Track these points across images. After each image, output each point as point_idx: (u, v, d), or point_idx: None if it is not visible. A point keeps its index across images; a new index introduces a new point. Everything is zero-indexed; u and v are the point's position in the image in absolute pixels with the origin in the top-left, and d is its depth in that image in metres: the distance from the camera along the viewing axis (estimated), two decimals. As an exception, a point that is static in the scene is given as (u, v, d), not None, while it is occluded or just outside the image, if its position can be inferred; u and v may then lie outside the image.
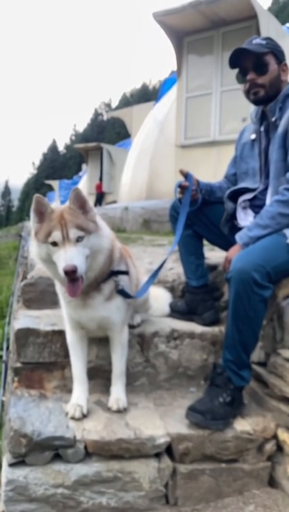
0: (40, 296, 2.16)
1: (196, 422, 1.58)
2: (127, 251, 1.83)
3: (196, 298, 2.11)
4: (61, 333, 1.77)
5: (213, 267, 2.34)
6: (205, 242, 2.19)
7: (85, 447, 1.49)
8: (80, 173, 27.55)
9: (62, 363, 1.79)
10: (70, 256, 1.40)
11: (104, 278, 1.60)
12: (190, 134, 6.81)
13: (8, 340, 3.42)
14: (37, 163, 71.69)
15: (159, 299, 2.19)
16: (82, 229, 1.45)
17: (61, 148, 70.68)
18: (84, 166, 24.16)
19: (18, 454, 1.45)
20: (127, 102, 54.19)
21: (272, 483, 1.64)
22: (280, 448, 1.64)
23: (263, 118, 1.96)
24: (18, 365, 1.78)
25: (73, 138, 69.15)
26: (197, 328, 2.01)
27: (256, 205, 1.95)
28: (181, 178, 2.03)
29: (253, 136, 2.00)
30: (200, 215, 2.08)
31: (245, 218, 1.98)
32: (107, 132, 54.72)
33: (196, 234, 2.12)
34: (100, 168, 18.19)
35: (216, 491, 1.58)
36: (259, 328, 1.66)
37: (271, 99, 1.85)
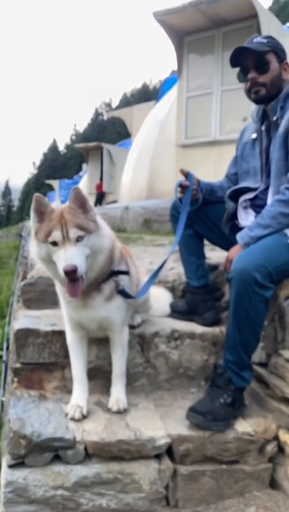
0: (40, 296, 2.15)
1: (197, 423, 1.57)
2: (127, 251, 1.82)
3: (196, 298, 2.10)
4: (61, 334, 1.76)
5: (214, 267, 2.33)
6: (206, 241, 2.18)
7: (85, 448, 1.48)
8: (81, 173, 27.55)
9: (62, 363, 1.78)
10: (70, 256, 1.39)
11: (105, 278, 1.59)
12: (190, 134, 6.79)
13: (8, 340, 3.41)
14: (37, 162, 71.76)
15: (160, 299, 2.18)
16: (82, 228, 1.44)
17: (61, 148, 70.73)
18: (84, 166, 24.16)
19: (17, 455, 1.44)
20: (127, 101, 54.21)
21: (274, 484, 1.63)
22: (281, 449, 1.63)
23: (264, 117, 1.95)
24: (18, 365, 1.77)
25: (74, 138, 69.18)
26: (198, 328, 2.00)
27: (257, 204, 1.94)
28: (182, 178, 2.02)
29: (254, 136, 1.99)
30: (201, 214, 2.07)
31: (246, 218, 1.97)
32: (108, 132, 54.73)
33: (196, 234, 2.11)
34: (101, 168, 18.18)
35: (216, 493, 1.57)
36: (260, 328, 1.65)
37: (272, 98, 1.84)
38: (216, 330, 2.00)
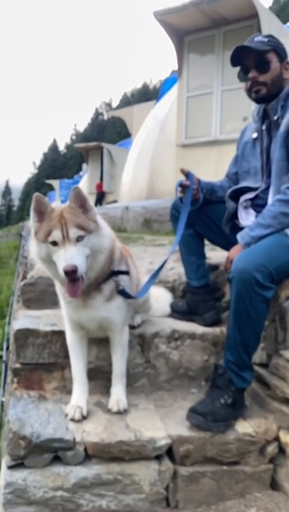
0: (40, 296, 2.14)
1: (197, 423, 1.56)
2: (127, 251, 1.82)
3: (197, 298, 2.09)
4: (61, 334, 1.75)
5: (215, 267, 2.33)
6: (206, 241, 2.17)
7: (85, 449, 1.47)
8: (81, 173, 27.55)
9: (62, 363, 1.77)
10: (71, 256, 1.38)
11: (105, 278, 1.58)
12: (191, 134, 6.79)
13: (8, 340, 3.41)
14: (37, 162, 71.76)
15: (160, 299, 2.18)
16: (82, 228, 1.43)
17: (62, 147, 70.73)
18: (84, 166, 24.16)
19: (17, 456, 1.43)
20: (127, 101, 54.20)
21: (274, 485, 1.62)
22: (282, 450, 1.62)
23: (264, 116, 1.94)
24: (18, 365, 1.76)
25: (74, 137, 69.18)
26: (198, 328, 2.00)
27: (258, 204, 1.93)
28: (182, 177, 2.02)
29: (255, 135, 1.98)
30: (201, 214, 2.06)
31: (247, 218, 1.96)
32: (108, 132, 54.71)
33: (197, 233, 2.10)
34: (101, 168, 18.18)
35: (217, 494, 1.56)
36: (261, 329, 1.64)
37: (273, 97, 1.83)
38: (217, 330, 1.99)
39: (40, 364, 1.77)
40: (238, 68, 1.90)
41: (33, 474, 1.43)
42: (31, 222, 1.50)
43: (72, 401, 1.61)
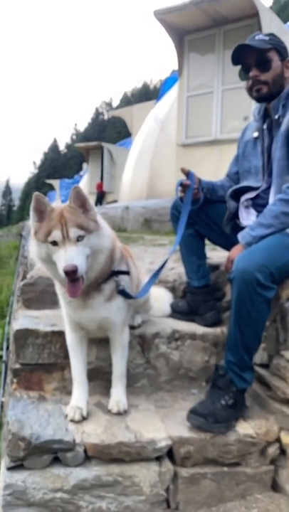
0: (40, 296, 2.13)
1: (198, 425, 1.55)
2: (127, 251, 1.81)
3: (197, 298, 2.08)
4: (61, 334, 1.74)
5: (215, 267, 2.32)
6: (207, 241, 2.16)
7: (85, 451, 1.46)
8: (81, 173, 27.54)
9: (61, 364, 1.76)
10: (71, 256, 1.37)
11: (105, 278, 1.57)
12: (191, 133, 6.78)
13: (8, 340, 3.40)
14: (38, 162, 71.81)
15: (160, 299, 2.17)
16: (82, 228, 1.42)
17: (62, 147, 70.77)
18: (85, 166, 24.16)
19: (16, 457, 1.43)
20: (127, 101, 54.21)
21: (276, 487, 1.61)
22: (283, 451, 1.62)
23: (265, 115, 1.93)
24: (17, 366, 1.75)
25: (74, 137, 69.21)
26: (198, 328, 1.99)
27: (259, 204, 1.92)
28: (183, 177, 2.00)
29: (256, 134, 1.97)
30: (202, 214, 2.05)
31: (248, 217, 1.95)
32: (108, 131, 54.72)
33: (197, 233, 2.09)
34: (101, 168, 18.18)
35: (218, 496, 1.55)
36: (262, 329, 1.63)
37: (274, 96, 1.82)
38: (217, 330, 1.98)
39: (40, 364, 1.76)
40: (238, 67, 1.89)
41: (33, 476, 1.42)
42: (31, 222, 1.49)
43: (72, 402, 1.60)
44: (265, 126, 1.92)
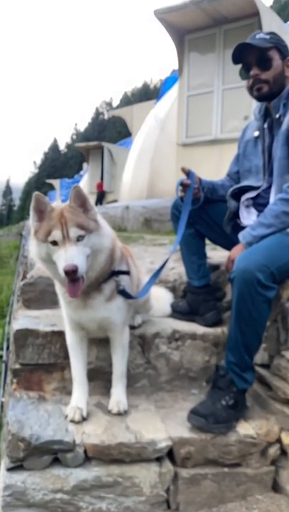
0: (40, 296, 2.13)
1: (199, 425, 1.55)
2: (128, 250, 1.80)
3: (197, 298, 2.08)
4: (61, 334, 1.74)
5: (216, 267, 2.31)
6: (207, 241, 2.16)
7: (85, 451, 1.46)
8: (81, 172, 27.53)
9: (61, 364, 1.76)
10: (71, 255, 1.36)
11: (105, 278, 1.57)
12: (191, 133, 6.77)
13: (8, 340, 3.39)
14: (38, 162, 71.84)
15: (160, 299, 2.16)
16: (82, 228, 1.41)
17: (62, 147, 70.78)
18: (85, 165, 24.16)
19: (16, 458, 1.42)
20: (128, 100, 54.21)
21: (276, 488, 1.60)
22: (284, 452, 1.61)
23: (266, 115, 1.92)
24: (17, 366, 1.75)
25: (74, 137, 69.21)
26: (199, 328, 1.98)
27: (259, 203, 1.91)
28: (183, 176, 2.00)
29: (257, 134, 1.96)
30: (202, 213, 2.04)
31: (249, 217, 1.94)
32: (108, 131, 54.71)
33: (198, 233, 2.09)
34: (101, 167, 18.17)
35: (218, 496, 1.54)
36: (263, 329, 1.63)
37: (275, 95, 1.82)
38: (218, 330, 1.97)
39: (40, 365, 1.75)
40: (239, 66, 1.88)
41: (33, 476, 1.42)
42: (31, 222, 1.48)
43: (72, 402, 1.60)
44: (265, 126, 1.91)
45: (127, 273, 1.66)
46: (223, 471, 1.56)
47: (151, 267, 2.24)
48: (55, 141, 72.34)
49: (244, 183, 1.99)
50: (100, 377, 1.78)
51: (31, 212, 1.46)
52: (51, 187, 30.94)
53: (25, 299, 2.14)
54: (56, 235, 1.39)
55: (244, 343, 1.60)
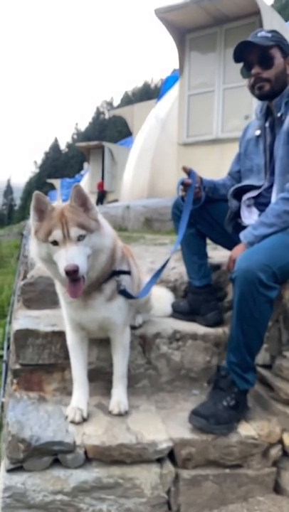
0: (40, 296, 2.12)
1: (200, 426, 1.54)
2: (128, 250, 1.79)
3: (198, 298, 2.07)
4: (61, 334, 1.73)
5: (217, 267, 2.30)
6: (208, 241, 2.15)
7: (85, 452, 1.45)
8: (82, 172, 27.52)
9: (62, 364, 1.75)
10: (72, 255, 1.35)
11: (106, 278, 1.56)
12: (192, 132, 6.76)
13: (9, 339, 3.38)
14: (39, 162, 71.87)
15: (161, 299, 2.15)
16: (83, 227, 1.40)
17: (63, 147, 70.79)
18: (86, 165, 24.16)
19: (16, 459, 1.41)
20: (128, 100, 54.19)
21: (278, 489, 1.59)
22: (285, 453, 1.60)
23: (268, 113, 1.91)
24: (17, 366, 1.74)
25: (75, 137, 69.23)
26: (200, 329, 1.97)
27: (261, 202, 1.90)
28: (184, 176, 1.99)
29: (258, 133, 1.95)
30: (203, 213, 2.03)
31: (250, 216, 1.93)
32: (109, 131, 54.70)
33: (199, 233, 2.07)
34: (102, 167, 18.17)
35: (219, 498, 1.53)
36: (264, 329, 1.61)
37: (277, 93, 1.80)
38: (219, 331, 1.96)
39: (40, 365, 1.74)
40: (240, 65, 1.87)
41: (33, 478, 1.41)
42: (31, 221, 1.48)
43: (72, 403, 1.59)
44: (267, 125, 1.90)
45: (128, 273, 1.65)
46: (225, 473, 1.55)
47: (152, 267, 2.23)
48: (56, 140, 72.35)
49: (245, 182, 1.98)
50: (100, 378, 1.77)
51: (32, 212, 1.45)
52: (52, 187, 30.94)
53: (26, 298, 2.13)
54: (57, 234, 1.38)
55: (246, 344, 1.59)
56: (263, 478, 1.58)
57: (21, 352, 1.73)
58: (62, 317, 1.68)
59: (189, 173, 1.97)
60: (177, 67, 7.03)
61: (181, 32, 6.64)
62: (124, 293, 1.60)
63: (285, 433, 1.60)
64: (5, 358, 3.23)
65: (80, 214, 1.42)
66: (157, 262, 2.43)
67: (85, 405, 1.58)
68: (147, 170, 8.23)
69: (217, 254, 2.39)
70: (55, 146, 70.78)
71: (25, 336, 1.74)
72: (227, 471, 1.55)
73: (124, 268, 1.64)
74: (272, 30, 1.83)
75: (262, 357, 1.80)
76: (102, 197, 16.87)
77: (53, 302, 1.96)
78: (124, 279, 1.62)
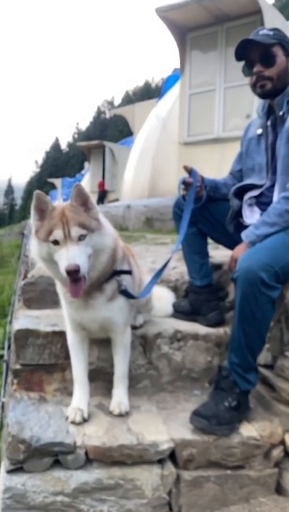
0: (41, 296, 2.11)
1: (201, 427, 1.53)
2: (129, 250, 1.78)
3: (200, 298, 2.06)
4: (62, 334, 1.72)
5: (218, 266, 2.29)
6: (209, 240, 2.14)
7: (86, 453, 1.44)
8: (83, 172, 27.50)
9: (62, 364, 1.74)
10: (73, 255, 1.35)
11: (107, 278, 1.55)
12: (193, 131, 6.74)
13: (9, 339, 3.37)
14: (40, 161, 71.85)
15: (162, 298, 2.14)
16: (84, 227, 1.39)
17: (64, 146, 70.77)
18: (86, 164, 24.15)
19: (16, 460, 1.40)
20: (129, 99, 54.12)
21: (280, 490, 1.58)
22: (287, 454, 1.59)
23: (269, 112, 1.90)
24: (18, 366, 1.73)
25: (76, 136, 69.20)
26: (201, 329, 1.96)
27: (263, 202, 1.89)
28: (185, 175, 1.97)
29: (260, 131, 1.93)
30: (204, 212, 2.02)
31: (252, 216, 1.92)
32: (110, 130, 54.68)
33: (200, 232, 2.06)
34: (103, 166, 18.16)
35: (221, 499, 1.52)
36: (266, 330, 1.60)
37: (278, 92, 1.79)
38: (220, 331, 1.95)
39: (41, 365, 1.73)
40: (241, 64, 1.86)
41: (33, 479, 1.40)
42: (32, 221, 1.47)
43: (72, 403, 1.58)
44: (269, 123, 1.89)
45: (129, 273, 1.64)
46: (226, 474, 1.54)
47: (153, 267, 2.22)
48: (57, 140, 72.30)
49: (247, 181, 1.97)
50: (101, 378, 1.77)
51: (32, 211, 1.44)
52: (53, 186, 30.92)
53: (26, 298, 2.12)
54: (57, 234, 1.37)
55: (247, 344, 1.58)
56: (264, 480, 1.57)
57: (22, 352, 1.73)
58: (63, 317, 1.68)
59: (190, 172, 1.96)
60: (178, 66, 7.01)
61: (182, 31, 6.62)
62: (125, 293, 1.59)
63: (287, 434, 1.59)
64: (5, 357, 3.23)
65: (80, 213, 1.41)
66: (158, 261, 2.42)
67: (85, 406, 1.57)
68: (148, 169, 8.22)
69: (218, 253, 2.38)
70: (56, 146, 70.77)
71: (25, 336, 1.73)
72: (229, 472, 1.54)
73: (125, 268, 1.63)
74: (274, 28, 1.82)
75: (264, 357, 1.79)
76: (102, 196, 16.86)
77: (53, 302, 1.95)
78: (125, 279, 1.61)
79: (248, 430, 1.58)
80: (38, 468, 1.42)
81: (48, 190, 27.65)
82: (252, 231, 1.72)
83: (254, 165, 1.95)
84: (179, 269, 2.35)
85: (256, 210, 1.91)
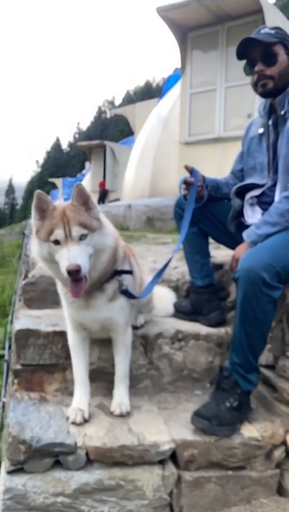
0: (42, 296, 2.11)
1: (202, 427, 1.52)
2: (130, 249, 1.78)
3: (201, 298, 2.05)
4: (62, 334, 1.71)
5: (219, 266, 2.28)
6: (211, 240, 2.13)
7: (87, 454, 1.44)
8: (84, 171, 27.49)
9: (63, 364, 1.73)
10: (73, 255, 1.34)
11: (108, 278, 1.54)
12: (194, 131, 6.73)
13: (10, 339, 3.37)
14: (41, 161, 71.88)
15: (163, 298, 2.14)
16: (85, 227, 1.39)
17: (65, 146, 70.80)
18: (87, 164, 24.14)
19: (16, 461, 1.40)
20: (130, 99, 54.12)
21: (281, 491, 1.58)
22: (289, 455, 1.58)
23: (271, 111, 1.89)
24: (18, 367, 1.73)
25: (77, 136, 69.23)
26: (202, 329, 1.95)
27: (264, 201, 1.88)
28: (186, 175, 1.97)
29: (261, 130, 1.93)
30: (206, 212, 2.01)
31: (253, 215, 1.91)
32: (111, 130, 54.67)
33: (201, 232, 2.06)
34: (103, 166, 18.14)
35: (222, 500, 1.52)
36: (268, 330, 1.60)
37: (280, 91, 1.78)
38: (221, 331, 1.95)
39: (41, 365, 1.73)
40: (242, 64, 1.85)
41: (33, 480, 1.40)
42: (33, 221, 1.46)
43: (73, 403, 1.58)
44: (270, 122, 1.88)
45: (130, 272, 1.64)
46: (227, 474, 1.53)
47: (154, 266, 2.22)
48: (58, 140, 72.29)
49: (248, 180, 1.96)
50: (102, 378, 1.76)
51: (33, 211, 1.44)
52: (54, 186, 30.93)
53: (27, 298, 2.12)
54: (58, 234, 1.36)
55: (249, 344, 1.58)
56: (266, 480, 1.56)
57: (22, 352, 1.72)
58: (64, 317, 1.67)
59: (192, 171, 1.95)
60: (179, 65, 7.00)
61: (183, 30, 6.61)
62: (126, 293, 1.58)
63: (288, 434, 1.58)
64: (6, 357, 3.22)
65: (81, 213, 1.41)
66: (159, 261, 2.42)
67: (86, 406, 1.57)
68: (149, 169, 8.21)
69: (220, 253, 2.37)
70: (56, 146, 70.80)
71: (26, 336, 1.73)
72: (230, 472, 1.54)
73: (126, 267, 1.62)
74: (275, 27, 1.81)
75: (265, 357, 1.78)
76: (103, 196, 16.86)
77: (54, 302, 1.95)
78: (126, 279, 1.60)
79: (250, 431, 1.57)
80: (38, 468, 1.41)
81: (48, 190, 27.65)
82: (253, 231, 1.71)
83: (255, 164, 1.94)
84: (180, 269, 2.34)
85: (258, 209, 1.91)
